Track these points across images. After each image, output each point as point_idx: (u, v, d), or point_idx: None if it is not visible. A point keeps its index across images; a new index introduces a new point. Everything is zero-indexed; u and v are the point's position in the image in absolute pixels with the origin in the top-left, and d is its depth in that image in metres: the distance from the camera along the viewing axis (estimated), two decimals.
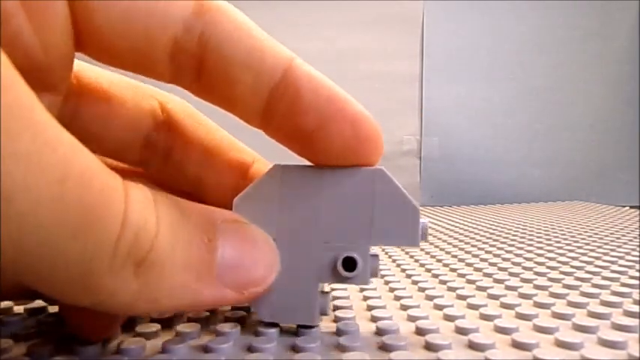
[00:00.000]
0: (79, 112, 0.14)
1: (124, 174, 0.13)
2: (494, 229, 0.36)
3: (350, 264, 0.13)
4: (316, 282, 0.13)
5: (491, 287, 0.19)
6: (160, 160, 0.15)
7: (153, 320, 0.15)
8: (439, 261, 0.25)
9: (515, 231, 0.35)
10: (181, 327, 0.14)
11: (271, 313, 0.13)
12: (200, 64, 0.12)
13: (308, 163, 0.13)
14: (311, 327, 0.14)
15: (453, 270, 0.23)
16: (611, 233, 0.34)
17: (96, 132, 0.14)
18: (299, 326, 0.14)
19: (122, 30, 0.11)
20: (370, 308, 0.16)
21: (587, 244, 0.29)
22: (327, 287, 0.13)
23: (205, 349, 0.13)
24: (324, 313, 0.14)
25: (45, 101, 0.12)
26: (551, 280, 0.20)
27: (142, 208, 0.09)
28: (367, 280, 0.13)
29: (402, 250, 0.28)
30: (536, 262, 0.24)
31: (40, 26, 0.11)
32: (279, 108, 0.12)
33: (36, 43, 0.11)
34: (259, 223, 0.13)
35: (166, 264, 0.10)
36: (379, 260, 0.13)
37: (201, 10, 0.11)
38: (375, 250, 0.13)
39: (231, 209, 0.13)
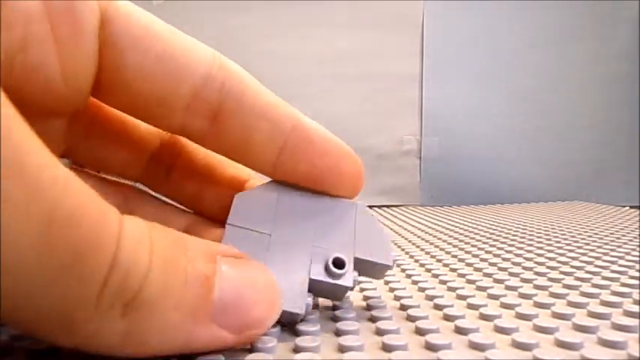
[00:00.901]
0: (92, 131, 0.14)
1: (125, 190, 0.13)
2: (494, 229, 0.36)
3: (339, 264, 0.14)
4: (306, 274, 0.14)
5: (491, 287, 0.19)
6: (162, 176, 0.15)
7: None
8: (439, 261, 0.25)
9: (515, 231, 0.35)
10: None
11: None
12: (217, 113, 0.13)
13: None
14: (296, 317, 0.14)
15: (453, 270, 0.23)
16: (611, 233, 0.34)
17: (106, 150, 0.14)
18: (283, 324, 0.14)
19: (150, 73, 0.12)
20: (370, 308, 0.16)
21: (587, 244, 0.29)
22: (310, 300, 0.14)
23: None
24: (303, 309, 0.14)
25: (54, 125, 0.13)
26: (551, 280, 0.20)
27: (135, 245, 0.09)
28: (351, 282, 0.14)
29: (402, 250, 0.28)
30: (536, 262, 0.24)
31: (66, 56, 0.11)
32: (295, 153, 0.14)
33: (58, 72, 0.11)
34: (257, 220, 0.14)
35: (157, 303, 0.09)
36: (357, 278, 0.15)
37: (221, 62, 0.13)
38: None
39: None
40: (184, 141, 0.15)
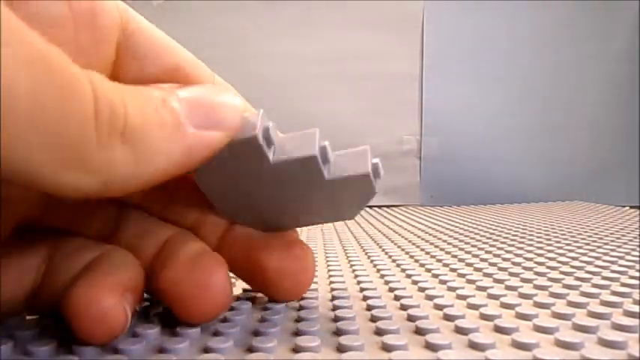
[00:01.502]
0: None
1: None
2: (494, 229, 0.36)
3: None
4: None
5: (491, 287, 0.19)
6: (162, 201, 0.15)
7: (153, 320, 0.15)
8: (439, 261, 0.25)
9: (515, 231, 0.35)
10: (181, 327, 0.14)
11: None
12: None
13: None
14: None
15: (453, 270, 0.23)
16: (611, 233, 0.34)
17: None
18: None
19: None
20: (370, 308, 0.16)
21: (587, 244, 0.29)
22: None
23: (205, 349, 0.13)
24: (269, 140, 0.13)
25: None
26: (551, 280, 0.20)
27: (105, 87, 0.10)
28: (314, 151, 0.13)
29: (402, 250, 0.28)
30: (536, 262, 0.24)
31: (85, 62, 0.12)
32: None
33: None
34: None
35: (145, 128, 0.11)
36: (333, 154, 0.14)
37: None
38: None
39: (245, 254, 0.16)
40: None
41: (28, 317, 0.15)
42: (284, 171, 0.13)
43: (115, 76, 0.12)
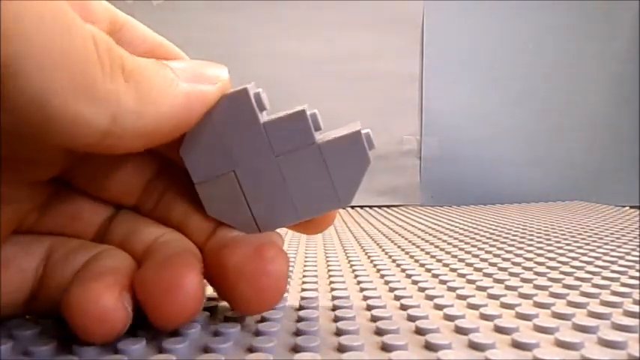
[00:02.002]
0: (90, 156, 0.14)
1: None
2: (494, 229, 0.36)
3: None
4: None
5: (492, 287, 0.19)
6: (153, 202, 0.15)
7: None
8: (439, 261, 0.25)
9: (515, 231, 0.35)
10: (181, 327, 0.14)
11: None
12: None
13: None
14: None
15: (453, 270, 0.23)
16: (611, 233, 0.34)
17: (104, 174, 0.15)
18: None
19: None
20: (370, 308, 0.16)
21: (587, 244, 0.29)
22: None
23: (205, 349, 0.13)
24: (261, 104, 0.14)
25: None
26: (551, 280, 0.20)
27: (104, 35, 0.11)
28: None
29: (402, 250, 0.28)
30: (536, 262, 0.24)
31: None
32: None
33: None
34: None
35: (146, 71, 0.11)
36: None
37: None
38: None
39: (213, 253, 0.14)
40: (178, 168, 0.15)
41: (28, 317, 0.15)
42: (275, 137, 0.13)
43: None
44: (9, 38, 0.08)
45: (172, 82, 0.12)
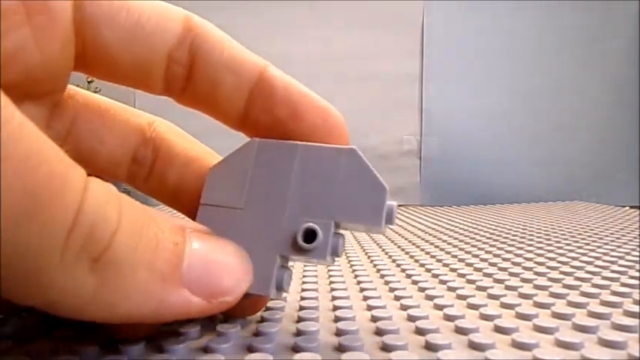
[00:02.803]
0: (73, 128, 0.14)
1: None
2: (494, 229, 0.36)
3: (310, 236, 0.12)
4: (275, 253, 0.13)
5: (492, 287, 0.19)
6: (145, 174, 0.15)
7: None
8: (439, 261, 0.25)
9: (515, 231, 0.35)
10: (181, 327, 0.14)
11: None
12: (189, 72, 0.13)
13: None
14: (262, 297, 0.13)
15: (453, 270, 0.23)
16: (611, 233, 0.34)
17: (89, 148, 0.15)
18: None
19: (127, 44, 0.13)
20: (370, 308, 0.16)
21: (587, 244, 0.29)
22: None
23: (205, 349, 0.13)
24: (280, 287, 0.13)
25: (35, 112, 0.13)
26: (551, 280, 0.20)
27: (102, 202, 0.09)
28: (325, 256, 0.12)
29: (402, 250, 0.28)
30: (536, 262, 0.24)
31: (44, 40, 0.11)
32: (258, 104, 0.14)
33: (37, 56, 0.11)
34: (230, 191, 0.13)
35: (127, 263, 0.09)
36: (344, 240, 0.13)
37: (190, 24, 0.13)
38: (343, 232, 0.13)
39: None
40: (166, 134, 0.15)
41: (28, 317, 0.15)
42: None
43: (84, 44, 0.12)
44: None
45: (152, 290, 0.10)
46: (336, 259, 0.13)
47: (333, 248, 0.12)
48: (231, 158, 0.14)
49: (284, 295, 0.18)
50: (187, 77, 0.14)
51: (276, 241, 0.13)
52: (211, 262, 0.11)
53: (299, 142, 0.14)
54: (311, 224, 0.12)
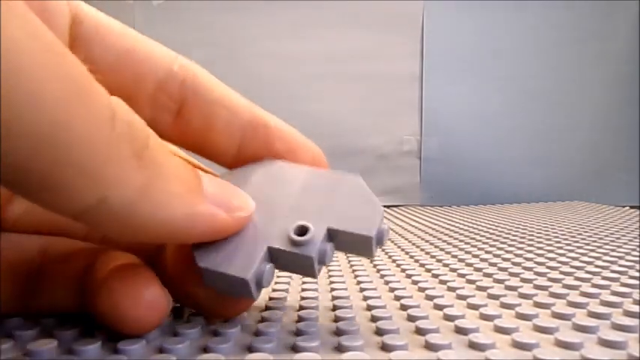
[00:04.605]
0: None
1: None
2: (494, 229, 0.36)
3: (302, 231, 0.13)
4: (264, 243, 0.13)
5: (492, 287, 0.19)
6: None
7: None
8: (439, 261, 0.25)
9: (515, 231, 0.35)
10: (181, 327, 0.14)
11: (209, 260, 0.13)
12: (180, 107, 0.14)
13: None
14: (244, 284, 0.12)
15: (453, 270, 0.23)
16: (611, 233, 0.34)
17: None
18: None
19: (116, 67, 0.13)
20: (370, 308, 0.16)
21: (587, 244, 0.29)
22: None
23: (205, 349, 0.13)
24: (260, 282, 0.13)
25: None
26: (551, 280, 0.20)
27: (129, 110, 0.10)
28: (312, 253, 0.12)
29: (402, 250, 0.28)
30: (536, 262, 0.24)
31: None
32: (258, 138, 0.14)
33: None
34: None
35: (164, 167, 0.10)
36: (333, 250, 0.13)
37: (181, 61, 0.14)
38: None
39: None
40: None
41: (27, 317, 0.15)
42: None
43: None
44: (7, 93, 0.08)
45: (190, 194, 0.11)
46: (333, 260, 0.13)
47: (322, 252, 0.13)
48: (241, 169, 0.15)
49: (284, 295, 0.18)
50: (177, 112, 0.14)
51: (267, 233, 0.13)
52: (222, 183, 0.12)
53: (309, 168, 0.14)
54: (304, 222, 0.13)
